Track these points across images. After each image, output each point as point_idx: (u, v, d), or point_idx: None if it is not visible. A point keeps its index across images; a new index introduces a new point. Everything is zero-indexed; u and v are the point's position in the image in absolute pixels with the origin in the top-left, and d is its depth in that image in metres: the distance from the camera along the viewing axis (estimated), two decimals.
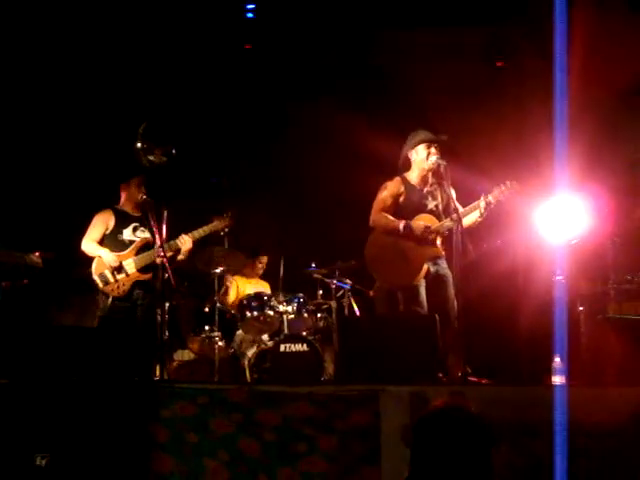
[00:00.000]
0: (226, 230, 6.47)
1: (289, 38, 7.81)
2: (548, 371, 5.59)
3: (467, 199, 5.98)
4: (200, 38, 7.63)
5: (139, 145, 5.81)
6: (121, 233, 6.37)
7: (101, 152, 7.50)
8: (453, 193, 5.97)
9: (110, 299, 6.21)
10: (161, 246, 5.75)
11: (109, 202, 6.52)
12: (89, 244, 6.35)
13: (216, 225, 6.43)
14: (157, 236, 5.79)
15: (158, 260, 5.89)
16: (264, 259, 8.09)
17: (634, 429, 4.28)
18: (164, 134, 5.95)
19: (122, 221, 6.41)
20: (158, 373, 5.50)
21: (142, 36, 7.51)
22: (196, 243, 6.33)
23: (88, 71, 7.64)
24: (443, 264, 5.93)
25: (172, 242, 6.20)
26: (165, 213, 5.82)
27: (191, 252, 6.35)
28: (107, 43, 7.49)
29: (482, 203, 5.79)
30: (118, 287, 6.24)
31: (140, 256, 6.31)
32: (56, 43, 7.34)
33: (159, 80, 7.77)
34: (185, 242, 6.24)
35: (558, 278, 6.57)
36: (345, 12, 7.67)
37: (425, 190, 6.04)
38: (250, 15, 7.92)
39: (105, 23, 7.32)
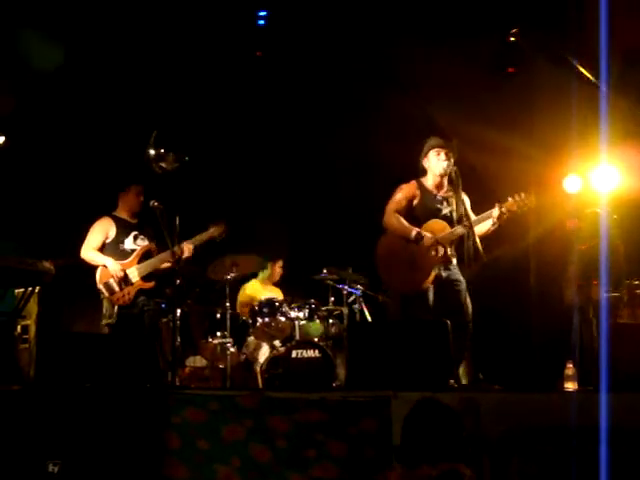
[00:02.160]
0: (223, 236, 6.42)
1: (300, 45, 7.81)
2: (561, 377, 5.57)
3: (481, 206, 5.96)
4: (211, 45, 7.64)
5: (151, 152, 5.78)
6: (123, 242, 6.37)
7: (114, 159, 7.53)
8: (467, 200, 5.95)
9: (116, 307, 6.19)
10: (173, 253, 5.75)
11: (106, 209, 6.51)
12: (92, 252, 6.32)
13: (212, 232, 6.39)
14: (170, 243, 5.82)
15: (164, 265, 6.02)
16: (280, 262, 8.09)
17: None
18: (176, 141, 5.95)
19: (123, 230, 6.39)
20: (170, 379, 5.50)
21: (152, 45, 7.53)
22: (194, 251, 6.25)
23: (101, 80, 7.68)
24: (455, 269, 5.89)
25: (174, 249, 6.08)
26: (177, 220, 5.83)
27: (189, 260, 6.21)
28: (116, 52, 7.51)
29: (495, 212, 5.77)
30: (123, 296, 6.24)
31: (142, 264, 6.32)
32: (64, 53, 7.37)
33: (170, 88, 7.80)
34: (186, 250, 6.12)
35: (571, 284, 6.56)
36: (357, 18, 7.67)
37: (440, 196, 6.00)
38: (261, 22, 7.94)
39: (114, 30, 7.34)
